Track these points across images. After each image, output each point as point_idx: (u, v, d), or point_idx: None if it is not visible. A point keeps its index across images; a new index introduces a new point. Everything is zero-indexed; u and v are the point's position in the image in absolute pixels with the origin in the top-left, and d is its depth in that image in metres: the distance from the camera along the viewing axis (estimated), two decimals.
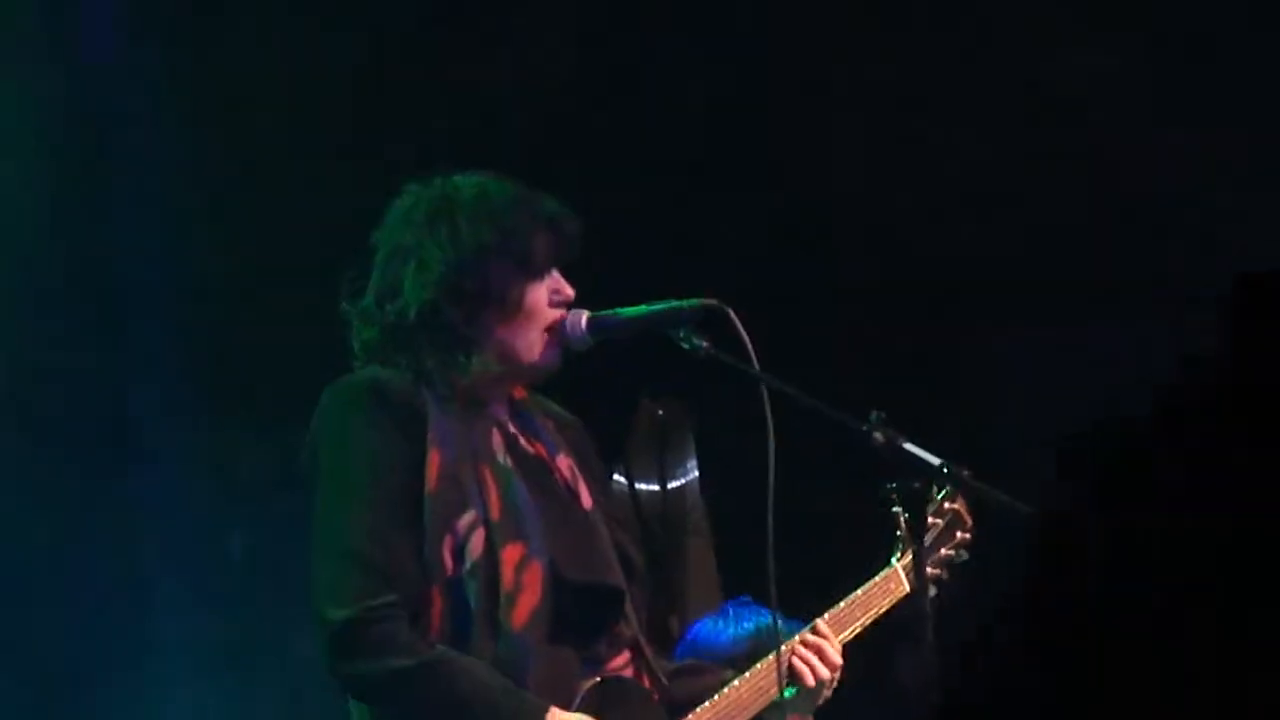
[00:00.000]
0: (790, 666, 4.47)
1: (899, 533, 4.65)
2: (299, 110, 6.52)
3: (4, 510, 6.17)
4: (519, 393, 4.38)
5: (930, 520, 4.78)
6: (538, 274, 4.28)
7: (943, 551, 4.79)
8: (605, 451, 4.84)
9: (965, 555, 4.83)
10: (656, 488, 7.72)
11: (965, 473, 4.01)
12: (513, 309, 4.23)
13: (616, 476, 7.49)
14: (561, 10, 6.81)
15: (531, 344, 4.26)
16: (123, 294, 6.49)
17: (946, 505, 4.81)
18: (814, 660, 4.51)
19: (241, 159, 6.47)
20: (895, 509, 4.39)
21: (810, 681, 4.50)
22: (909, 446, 3.99)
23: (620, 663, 4.25)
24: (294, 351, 5.91)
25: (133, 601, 6.42)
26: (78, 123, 6.29)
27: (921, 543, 4.14)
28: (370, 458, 4.13)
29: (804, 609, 4.56)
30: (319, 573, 4.12)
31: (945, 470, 4.00)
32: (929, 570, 4.68)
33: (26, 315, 6.29)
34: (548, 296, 4.28)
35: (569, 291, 4.31)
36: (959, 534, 4.84)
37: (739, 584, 5.44)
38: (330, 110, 6.57)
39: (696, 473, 7.72)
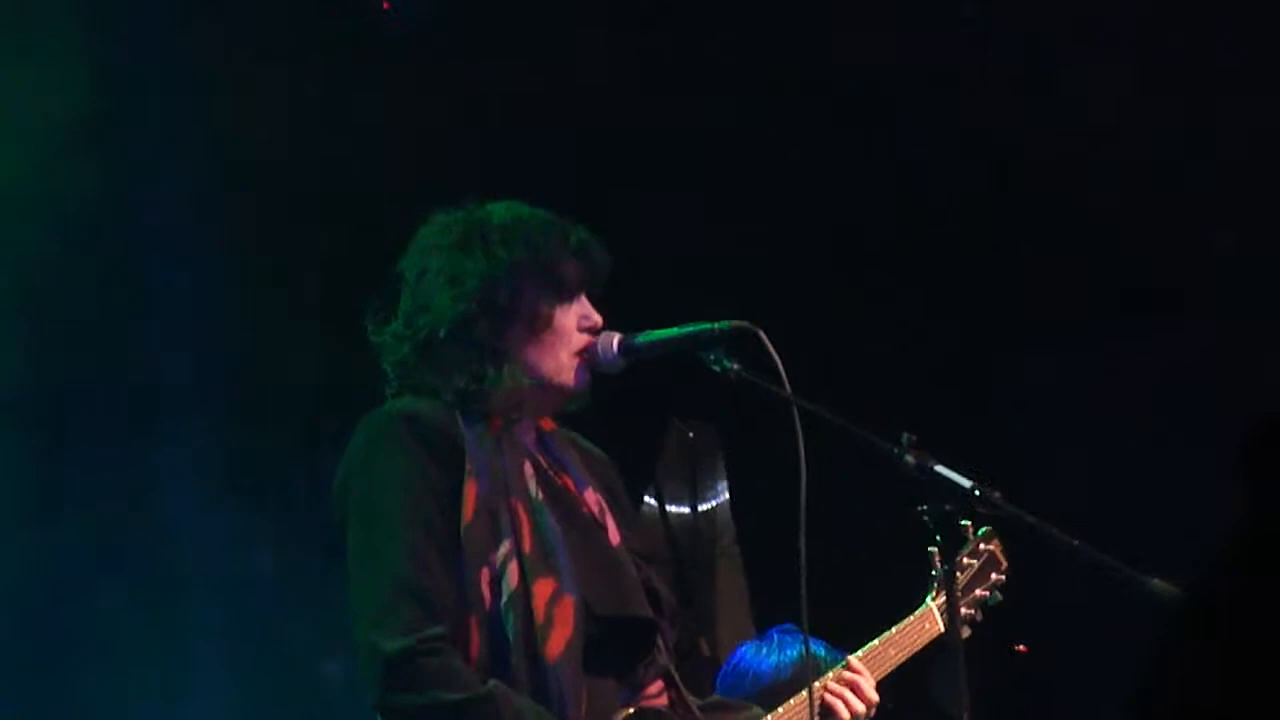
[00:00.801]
0: (823, 702, 4.46)
1: (934, 571, 4.65)
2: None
3: (29, 526, 6.18)
4: (548, 424, 4.39)
5: (966, 560, 4.79)
6: (568, 297, 4.29)
7: (977, 592, 4.79)
8: (636, 476, 4.84)
9: (999, 596, 4.82)
10: (687, 510, 7.73)
11: (996, 495, 4.00)
12: (542, 327, 4.24)
13: (647, 499, 7.50)
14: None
15: (561, 366, 4.26)
16: (151, 304, 6.51)
17: (982, 546, 4.81)
18: (848, 695, 4.50)
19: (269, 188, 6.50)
20: (930, 548, 4.39)
21: (845, 716, 4.49)
22: (940, 468, 3.98)
23: (654, 691, 4.25)
24: (326, 367, 5.93)
25: (162, 617, 6.42)
26: (106, 129, 6.29)
27: (953, 571, 4.12)
28: (409, 489, 4.12)
29: (838, 631, 4.56)
30: (367, 601, 4.09)
31: (976, 493, 3.98)
32: (963, 610, 4.69)
33: (55, 327, 6.30)
34: (577, 321, 4.29)
35: (597, 319, 4.31)
36: (993, 575, 4.84)
37: (770, 606, 5.44)
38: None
39: (727, 495, 7.72)
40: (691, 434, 7.62)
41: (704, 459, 7.74)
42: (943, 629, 4.67)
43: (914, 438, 4.00)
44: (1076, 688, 6.90)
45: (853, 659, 4.56)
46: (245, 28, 6.47)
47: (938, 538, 4.06)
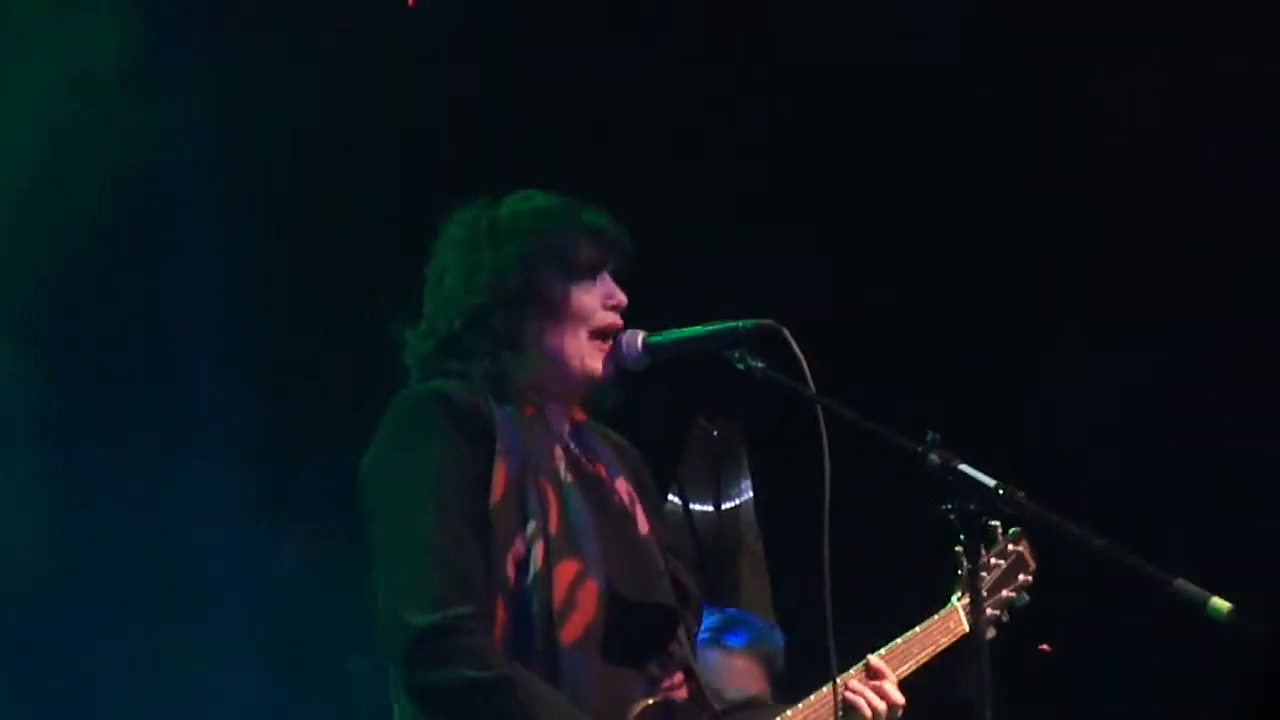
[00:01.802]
0: (845, 700, 4.45)
1: (959, 571, 4.64)
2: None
3: (52, 524, 6.20)
4: (580, 415, 4.39)
5: (993, 561, 4.77)
6: (581, 276, 4.29)
7: (1004, 593, 4.77)
8: (661, 475, 4.84)
9: (1026, 598, 4.80)
10: (711, 508, 7.73)
11: (1020, 494, 3.99)
12: (558, 310, 4.26)
13: (671, 497, 7.50)
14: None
15: (581, 349, 4.27)
16: (172, 301, 6.53)
17: (1010, 547, 4.79)
18: (869, 694, 4.48)
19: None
20: (956, 549, 4.38)
21: (867, 714, 4.48)
22: (964, 468, 3.98)
23: (673, 683, 4.25)
24: (351, 367, 5.94)
25: (184, 613, 6.44)
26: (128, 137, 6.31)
27: (976, 570, 4.11)
28: (441, 465, 4.12)
29: (861, 629, 4.55)
30: (397, 574, 4.07)
31: (1000, 492, 3.98)
32: (989, 611, 4.68)
33: (75, 330, 6.33)
34: (600, 301, 4.30)
35: (621, 297, 4.32)
36: (1021, 576, 4.81)
37: (794, 604, 5.45)
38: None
39: (751, 493, 7.72)
40: (716, 433, 7.63)
41: (728, 457, 7.74)
42: (967, 629, 4.65)
43: (938, 436, 3.99)
44: (1098, 686, 6.90)
45: (873, 658, 4.54)
46: (272, 26, 6.49)
47: (962, 537, 4.05)
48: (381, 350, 4.38)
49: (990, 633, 4.68)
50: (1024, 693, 4.69)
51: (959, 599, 4.70)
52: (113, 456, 6.36)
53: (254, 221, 6.54)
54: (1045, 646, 6.21)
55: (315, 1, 6.56)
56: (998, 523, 4.46)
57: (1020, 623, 4.82)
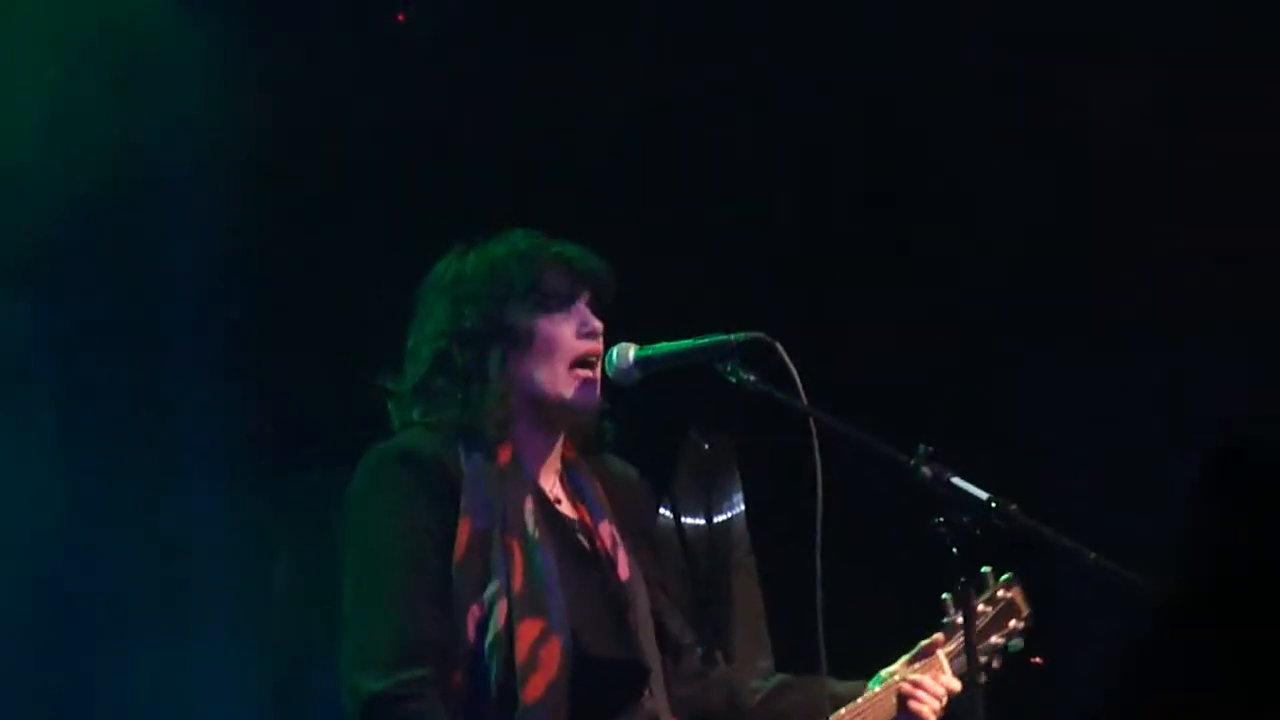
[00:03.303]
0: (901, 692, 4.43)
1: (944, 619, 4.53)
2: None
3: (47, 534, 6.19)
4: (569, 452, 4.37)
5: (981, 607, 4.66)
6: (551, 308, 4.27)
7: (993, 639, 4.68)
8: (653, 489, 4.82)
9: (1021, 644, 4.71)
10: (702, 521, 7.72)
11: (1012, 507, 3.99)
12: (524, 341, 4.24)
13: (663, 511, 7.49)
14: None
15: (557, 378, 4.24)
16: (169, 316, 6.51)
17: (1001, 593, 4.69)
18: (924, 689, 4.45)
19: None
20: (943, 595, 4.35)
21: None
22: (957, 481, 3.97)
23: None
24: (345, 385, 5.93)
25: (174, 627, 6.42)
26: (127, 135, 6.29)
27: (970, 613, 4.07)
28: (401, 530, 4.14)
29: (851, 642, 4.53)
30: (352, 640, 4.13)
31: (993, 505, 3.97)
32: (981, 659, 4.60)
33: (77, 345, 6.32)
34: (575, 330, 4.28)
35: (596, 324, 4.29)
36: (1011, 622, 4.70)
37: (785, 617, 5.44)
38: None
39: (742, 506, 7.71)
40: (707, 445, 7.62)
41: (720, 470, 7.73)
42: (955, 681, 4.55)
43: (930, 449, 3.99)
44: (1090, 701, 6.87)
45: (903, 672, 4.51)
46: (264, 35, 6.48)
47: (953, 550, 4.04)
48: (373, 371, 4.38)
49: (981, 678, 4.63)
50: (1017, 707, 4.66)
51: (942, 649, 4.58)
52: (109, 470, 6.34)
53: (251, 239, 6.53)
54: (1037, 659, 6.19)
55: (308, 10, 6.55)
56: (989, 570, 4.42)
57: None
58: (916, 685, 4.44)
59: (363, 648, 4.09)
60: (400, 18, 6.80)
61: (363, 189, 6.59)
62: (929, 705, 4.43)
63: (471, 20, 6.78)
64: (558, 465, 4.33)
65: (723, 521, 7.75)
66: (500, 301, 4.25)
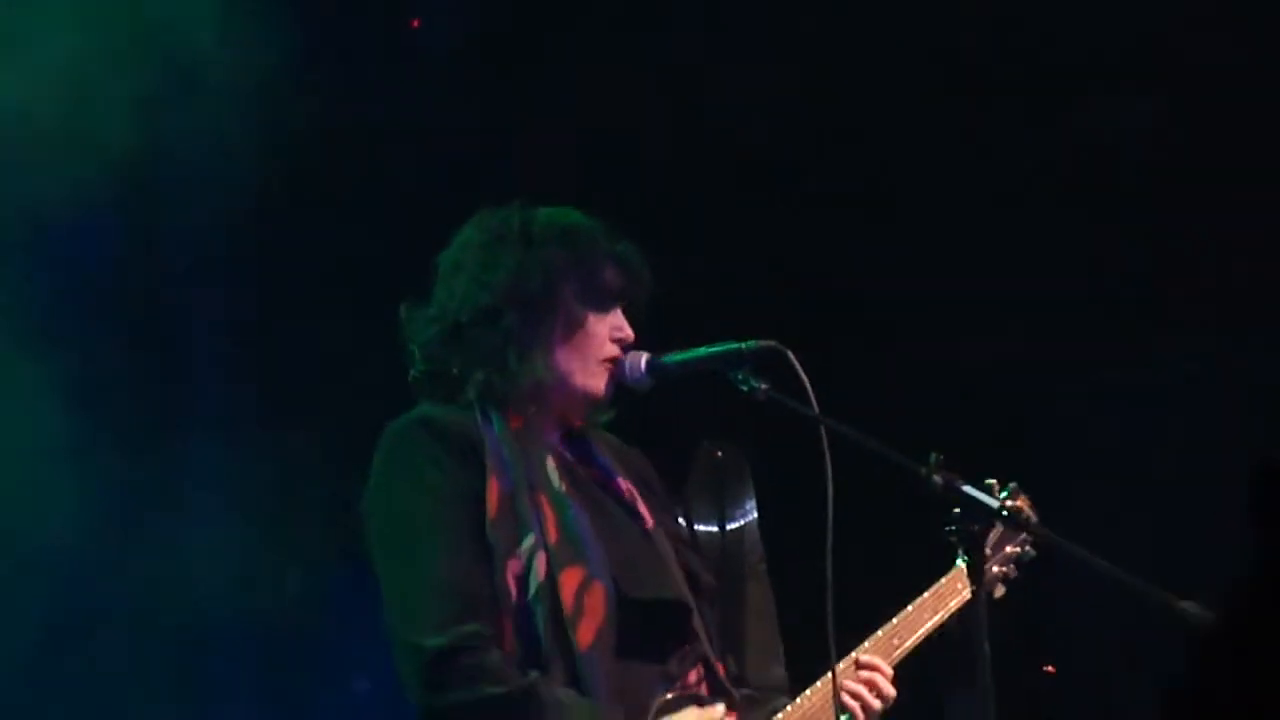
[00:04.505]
0: (841, 701, 4.44)
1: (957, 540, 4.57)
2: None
3: (58, 539, 6.20)
4: (576, 422, 4.40)
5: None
6: (602, 303, 4.33)
7: (1008, 549, 4.74)
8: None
9: (1032, 552, 4.74)
10: (715, 530, 7.71)
11: (1023, 515, 4.00)
12: (574, 328, 4.29)
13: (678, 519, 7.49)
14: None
15: (588, 370, 4.30)
16: (180, 314, 6.52)
17: (1008, 504, 4.73)
18: (865, 693, 4.47)
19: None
20: (947, 528, 4.35)
21: (861, 717, 4.46)
22: (968, 489, 3.97)
23: (692, 679, 4.25)
24: (354, 383, 5.95)
25: (188, 635, 6.43)
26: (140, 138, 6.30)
27: (981, 584, 4.08)
28: (435, 490, 4.16)
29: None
30: (403, 603, 4.12)
31: (1005, 513, 3.98)
32: (996, 569, 4.64)
33: (89, 345, 6.33)
34: (609, 331, 4.30)
35: (629, 333, 4.35)
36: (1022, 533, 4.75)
37: (797, 625, 5.43)
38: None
39: (755, 515, 7.70)
40: (719, 453, 7.62)
41: (732, 479, 7.73)
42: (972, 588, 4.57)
43: (941, 458, 3.99)
44: (1103, 709, 6.88)
45: (861, 655, 4.51)
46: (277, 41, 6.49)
47: (964, 554, 4.05)
48: (382, 383, 4.40)
49: (999, 590, 4.67)
50: (1028, 714, 4.67)
51: (963, 558, 4.62)
52: (116, 482, 6.34)
53: (262, 260, 6.55)
54: (1049, 668, 6.20)
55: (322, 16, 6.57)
56: (994, 480, 4.42)
57: (1024, 643, 4.81)
58: (855, 696, 4.46)
59: (414, 609, 4.09)
60: (415, 24, 6.82)
61: (374, 192, 6.60)
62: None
63: (485, 26, 6.80)
64: (560, 435, 4.38)
65: (736, 529, 7.74)
66: (562, 279, 4.28)
